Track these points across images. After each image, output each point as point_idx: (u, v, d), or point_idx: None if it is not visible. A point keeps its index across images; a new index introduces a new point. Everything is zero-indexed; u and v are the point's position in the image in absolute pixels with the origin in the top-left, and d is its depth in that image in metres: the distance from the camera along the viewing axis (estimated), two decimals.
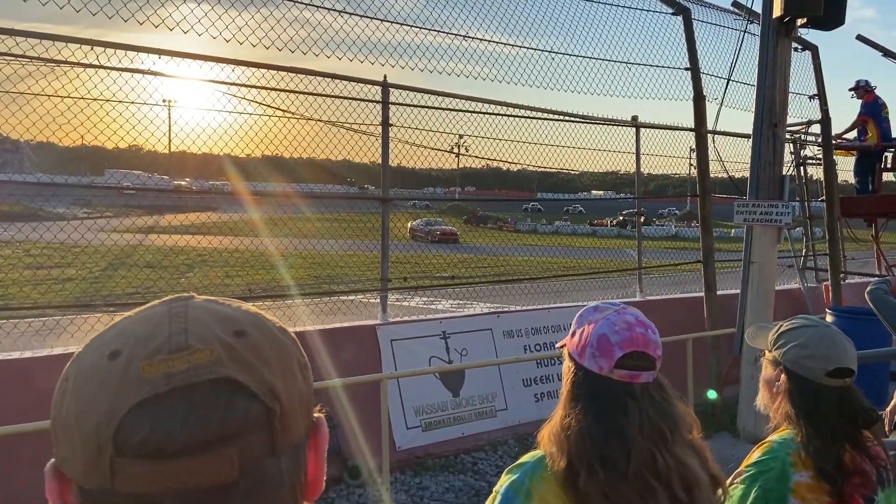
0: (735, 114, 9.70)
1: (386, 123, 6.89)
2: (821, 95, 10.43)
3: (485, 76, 7.70)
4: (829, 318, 7.68)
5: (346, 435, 5.47)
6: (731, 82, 8.11)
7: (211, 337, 0.57)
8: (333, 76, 6.64)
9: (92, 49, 5.39)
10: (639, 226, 9.61)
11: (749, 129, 7.04)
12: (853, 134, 11.37)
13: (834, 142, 10.60)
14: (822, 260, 10.39)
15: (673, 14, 8.63)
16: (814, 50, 10.17)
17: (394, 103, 6.92)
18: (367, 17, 6.56)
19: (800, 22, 6.77)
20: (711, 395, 7.31)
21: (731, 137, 9.87)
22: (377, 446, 5.15)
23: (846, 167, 11.97)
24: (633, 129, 9.00)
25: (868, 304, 3.42)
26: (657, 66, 8.83)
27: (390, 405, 5.59)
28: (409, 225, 31.44)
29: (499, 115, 8.05)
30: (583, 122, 8.54)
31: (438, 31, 7.02)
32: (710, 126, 8.47)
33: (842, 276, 10.08)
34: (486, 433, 6.62)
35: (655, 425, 1.35)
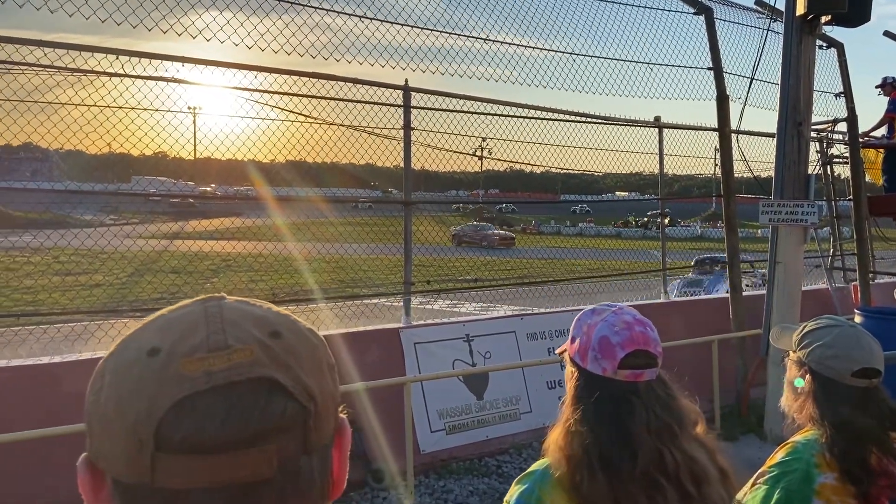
0: (759, 113, 9.59)
1: (407, 127, 6.92)
2: (847, 93, 10.27)
3: (506, 78, 7.71)
4: (857, 319, 7.56)
5: (370, 438, 5.49)
6: (754, 81, 8.04)
7: (248, 337, 0.59)
8: (355, 81, 6.69)
9: (118, 58, 5.48)
10: (662, 227, 9.53)
11: (774, 129, 6.96)
12: (881, 131, 11.18)
13: (861, 140, 10.43)
14: (850, 259, 10.22)
15: (695, 13, 8.56)
16: (839, 47, 10.02)
17: (415, 107, 6.96)
18: (388, 21, 6.60)
19: (824, 19, 6.69)
20: None
21: (756, 137, 9.77)
22: (401, 449, 5.17)
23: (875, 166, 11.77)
24: (656, 129, 8.94)
25: None
26: (679, 66, 8.77)
27: (414, 408, 5.61)
28: (451, 229, 31.12)
29: (521, 117, 8.04)
30: (605, 124, 8.51)
31: (459, 35, 7.04)
32: (733, 126, 8.38)
33: (870, 275, 9.91)
34: (510, 436, 6.61)
35: (662, 422, 1.34)
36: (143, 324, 0.62)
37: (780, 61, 6.79)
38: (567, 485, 1.36)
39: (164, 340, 0.58)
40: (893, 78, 10.94)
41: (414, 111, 6.95)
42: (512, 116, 7.98)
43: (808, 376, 1.81)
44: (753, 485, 1.74)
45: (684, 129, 9.12)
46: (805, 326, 1.89)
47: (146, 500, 0.55)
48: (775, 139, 6.89)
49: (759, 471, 1.78)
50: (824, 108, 10.32)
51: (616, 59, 8.19)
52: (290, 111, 6.84)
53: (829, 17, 6.60)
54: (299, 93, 6.60)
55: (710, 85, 8.61)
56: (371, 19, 6.45)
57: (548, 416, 6.89)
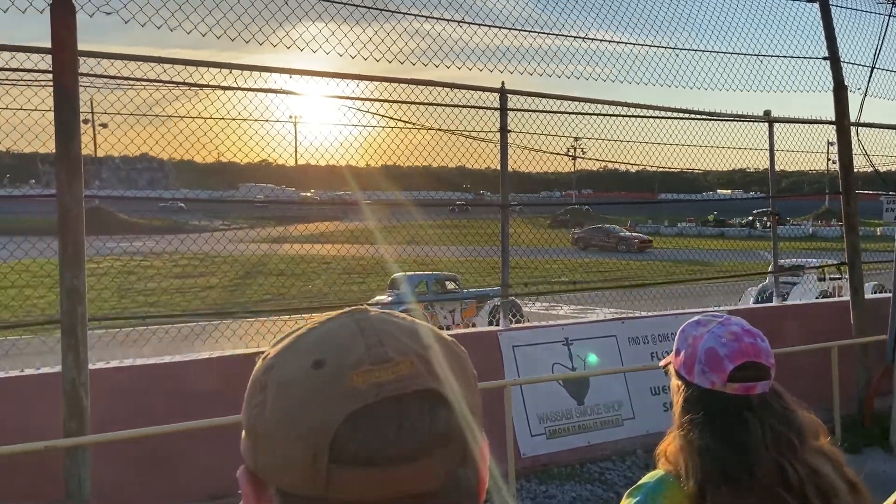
0: (880, 104, 8.95)
1: (504, 129, 6.90)
2: None
3: (605, 76, 7.56)
4: None
5: None
6: (875, 70, 7.51)
7: (407, 349, 0.59)
8: (452, 85, 6.74)
9: (231, 72, 5.74)
10: (774, 226, 9.06)
11: None
12: None
13: None
14: None
15: (808, 1, 8.09)
16: None
17: (512, 109, 6.93)
18: (484, 24, 6.61)
19: None
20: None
21: (877, 129, 9.11)
22: (501, 453, 5.15)
23: None
24: (766, 124, 8.51)
25: None
26: (791, 57, 8.32)
27: (513, 412, 5.57)
28: (573, 232, 30.49)
29: (618, 115, 7.86)
30: (710, 120, 8.18)
31: (557, 35, 6.96)
32: (852, 118, 7.86)
33: None
34: (612, 442, 6.46)
35: (781, 435, 1.28)
36: (293, 338, 0.62)
37: None
38: (681, 498, 1.32)
39: (326, 353, 0.58)
40: None
41: (509, 113, 6.93)
42: (609, 115, 7.81)
43: None
44: None
45: (798, 122, 8.64)
46: None
47: None
48: None
49: None
50: None
51: (721, 53, 7.86)
52: (388, 117, 6.97)
53: None
54: (397, 99, 6.72)
55: (824, 75, 8.11)
56: (469, 23, 6.47)
57: (652, 423, 6.73)
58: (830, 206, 37.30)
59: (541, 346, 6.56)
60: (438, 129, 6.94)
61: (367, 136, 7.55)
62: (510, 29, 6.78)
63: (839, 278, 12.27)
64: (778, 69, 8.24)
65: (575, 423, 6.44)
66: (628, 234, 30.70)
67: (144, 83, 5.28)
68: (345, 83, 6.38)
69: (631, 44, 7.49)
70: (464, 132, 7.08)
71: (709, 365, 1.35)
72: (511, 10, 6.81)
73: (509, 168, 7.14)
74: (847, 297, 7.72)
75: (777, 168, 8.86)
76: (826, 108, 8.09)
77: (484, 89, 6.83)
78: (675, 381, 1.45)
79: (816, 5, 7.99)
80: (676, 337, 1.46)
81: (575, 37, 7.07)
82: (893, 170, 6.88)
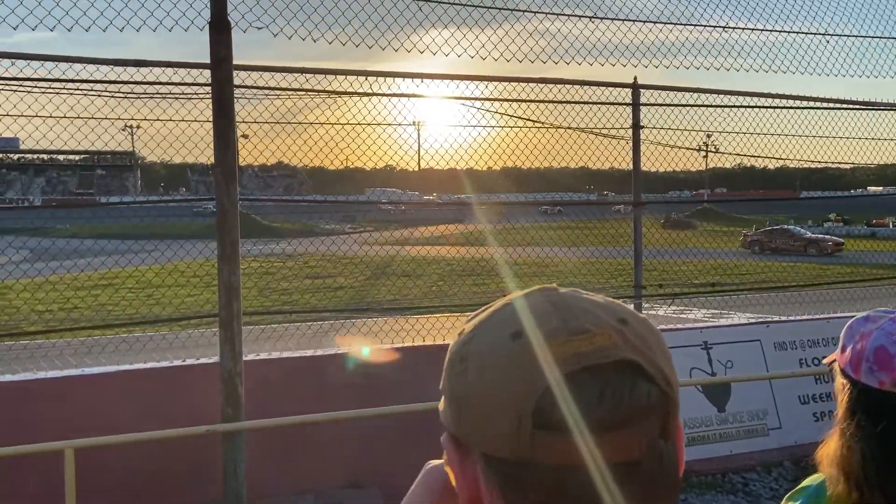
0: None
1: (637, 126, 6.72)
2: None
3: (748, 67, 7.18)
4: None
5: None
6: None
7: (602, 322, 0.59)
8: (582, 82, 6.64)
9: (356, 79, 5.96)
10: None
11: None
12: None
13: None
14: None
15: None
16: None
17: (645, 104, 6.73)
18: (619, 19, 6.46)
19: None
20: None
21: None
22: None
23: None
24: None
25: None
26: None
27: None
28: (745, 234, 29.01)
29: (756, 107, 7.45)
30: (864, 109, 7.57)
31: (695, 26, 6.69)
32: None
33: None
34: (757, 452, 6.11)
35: None
36: (488, 314, 0.64)
37: None
38: (846, 503, 1.23)
39: (523, 325, 0.60)
40: None
41: (642, 109, 6.74)
42: (747, 107, 7.42)
43: None
44: None
45: None
46: None
47: (521, 474, 0.57)
48: None
49: None
50: None
51: (880, 38, 7.26)
52: (517, 117, 6.96)
53: None
54: (526, 98, 6.71)
55: None
56: (602, 19, 6.36)
57: (801, 434, 6.32)
58: None
59: (678, 349, 6.32)
60: (568, 128, 6.86)
61: (489, 137, 7.60)
62: (644, 22, 6.59)
63: None
64: None
65: (715, 431, 6.14)
66: (819, 235, 27.95)
67: (289, 93, 5.58)
68: (473, 85, 6.46)
69: (777, 31, 7.07)
70: (594, 129, 6.96)
71: (878, 363, 1.25)
72: (644, 6, 6.61)
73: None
74: None
75: None
76: None
77: (616, 85, 6.69)
78: (839, 380, 1.35)
79: None
80: (843, 333, 1.37)
81: (715, 26, 6.76)
82: None
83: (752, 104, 7.46)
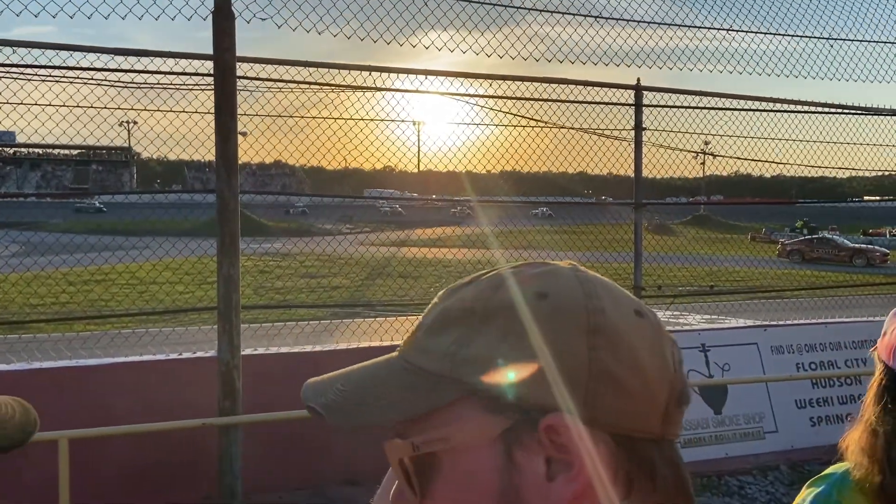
0: None
1: (639, 127, 6.72)
2: None
3: (752, 70, 7.18)
4: None
5: None
6: None
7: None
8: (585, 83, 6.64)
9: (360, 74, 5.94)
10: None
11: None
12: None
13: None
14: None
15: None
16: None
17: (648, 105, 6.74)
18: (623, 19, 6.47)
19: None
20: None
21: None
22: None
23: None
24: None
25: None
26: None
27: None
28: (782, 242, 28.67)
29: (757, 110, 7.47)
30: (865, 115, 7.59)
31: (699, 28, 6.69)
32: None
33: None
34: (752, 456, 6.09)
35: None
36: (592, 282, 0.60)
37: None
38: (869, 489, 1.22)
39: (637, 304, 0.61)
40: None
41: (644, 110, 6.74)
42: (748, 110, 7.44)
43: None
44: None
45: None
46: None
47: (651, 452, 0.57)
48: None
49: None
50: None
51: (878, 42, 7.28)
52: (519, 115, 6.95)
53: None
54: (529, 97, 6.69)
55: None
56: (607, 19, 6.36)
57: (797, 438, 6.30)
58: None
59: None
60: (570, 128, 6.86)
61: (489, 138, 7.59)
62: (648, 23, 6.60)
63: None
64: None
65: (711, 434, 6.13)
66: (865, 245, 27.41)
67: (291, 86, 5.56)
68: (478, 83, 6.45)
69: (782, 35, 7.08)
70: (596, 130, 6.96)
71: None
72: (648, 6, 6.62)
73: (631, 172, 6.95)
74: None
75: None
76: None
77: (619, 86, 6.69)
78: (877, 366, 1.34)
79: None
80: (887, 320, 1.35)
81: (719, 28, 6.77)
82: None
83: (751, 108, 7.47)
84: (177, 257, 6.31)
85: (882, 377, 1.30)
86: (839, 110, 7.62)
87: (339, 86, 5.70)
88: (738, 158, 8.52)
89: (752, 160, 8.45)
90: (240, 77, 4.72)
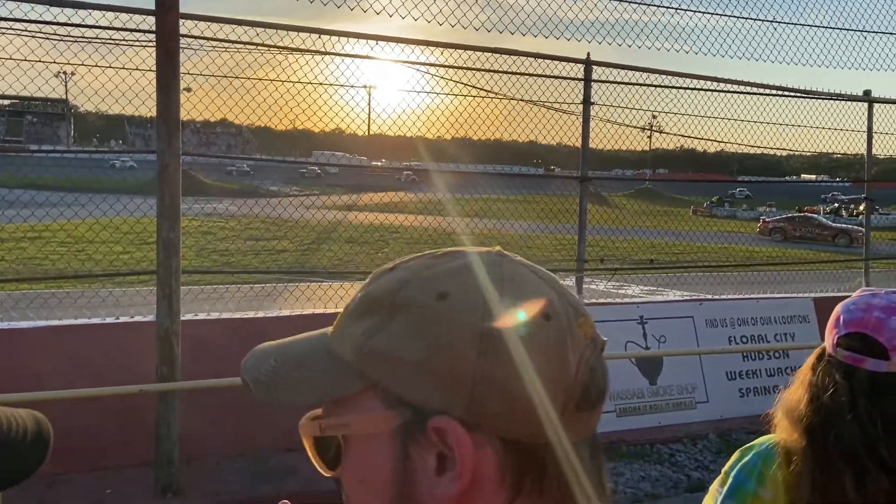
0: None
1: (587, 101, 6.78)
2: None
3: (696, 50, 7.29)
4: None
5: None
6: None
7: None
8: (535, 55, 6.64)
9: (309, 36, 5.79)
10: (867, 213, 8.64)
11: None
12: None
13: None
14: None
15: None
16: None
17: (596, 81, 6.79)
18: None
19: None
20: None
21: None
22: None
23: None
24: (865, 104, 8.08)
25: None
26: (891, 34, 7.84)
27: None
28: (764, 220, 27.97)
29: (703, 90, 7.61)
30: (804, 97, 7.82)
31: (649, 5, 6.74)
32: None
33: None
34: (684, 425, 6.35)
35: (872, 418, 1.21)
36: (491, 283, 0.59)
37: None
38: (789, 459, 1.29)
39: (548, 306, 0.58)
40: None
41: (593, 85, 6.79)
42: (694, 89, 7.58)
43: None
44: None
45: None
46: None
47: (544, 454, 0.57)
48: None
49: None
50: None
51: (823, 27, 7.47)
52: (469, 85, 6.93)
53: None
54: (479, 67, 6.66)
55: None
56: None
57: (727, 409, 6.57)
58: None
59: (614, 323, 6.48)
60: (520, 100, 6.87)
61: (441, 105, 7.56)
62: None
63: None
64: (881, 47, 7.79)
65: (646, 403, 6.36)
66: (848, 226, 27.17)
67: (238, 46, 5.39)
68: (429, 51, 6.38)
69: (728, 16, 7.19)
70: (545, 103, 6.99)
71: (831, 326, 1.33)
72: None
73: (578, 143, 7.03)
74: None
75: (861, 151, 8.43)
76: None
77: (569, 60, 6.71)
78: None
79: None
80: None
81: (668, 7, 6.83)
82: None
83: (698, 87, 7.61)
84: (115, 217, 6.11)
85: (817, 353, 1.37)
86: (781, 93, 7.83)
87: (287, 48, 5.56)
88: (683, 136, 8.71)
89: (696, 138, 8.63)
90: (184, 36, 4.55)
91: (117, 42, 5.02)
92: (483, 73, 6.71)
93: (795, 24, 7.39)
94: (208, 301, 6.70)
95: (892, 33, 7.75)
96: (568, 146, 8.38)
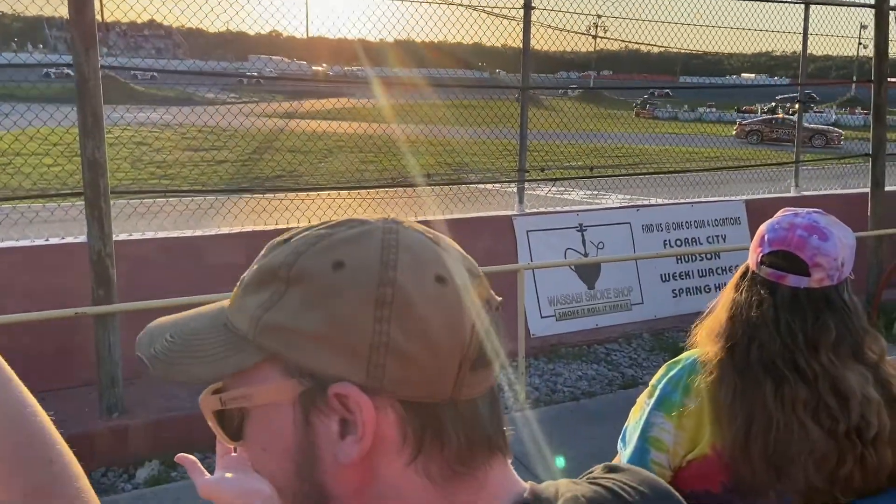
0: None
1: (528, 7, 6.62)
2: None
3: None
4: None
5: None
6: None
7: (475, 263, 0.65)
8: None
9: None
10: (799, 113, 8.84)
11: None
12: None
13: None
14: None
15: None
16: None
17: None
18: None
19: None
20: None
21: None
22: (513, 333, 5.31)
23: None
24: (801, 6, 8.10)
25: None
26: None
27: (525, 294, 5.70)
28: (740, 123, 27.50)
29: None
30: (743, 0, 7.78)
31: None
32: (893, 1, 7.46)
33: None
34: (620, 326, 6.64)
35: (792, 331, 1.28)
36: (382, 249, 0.59)
37: None
38: (707, 370, 1.36)
39: (440, 269, 0.60)
40: None
41: None
42: None
43: None
44: None
45: (836, 4, 8.22)
46: None
47: (443, 414, 0.59)
48: None
49: None
50: None
51: None
52: None
53: None
54: None
55: None
56: None
57: (660, 309, 6.86)
58: (857, 93, 36.14)
59: (554, 231, 6.61)
60: (461, 5, 6.66)
61: (381, 8, 7.28)
62: None
63: None
64: None
65: (584, 307, 6.59)
66: (825, 126, 27.03)
67: None
68: None
69: None
70: (485, 9, 6.79)
71: (755, 244, 1.38)
72: None
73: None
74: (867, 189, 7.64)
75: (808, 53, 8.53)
76: None
77: None
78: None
79: None
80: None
81: None
82: None
83: None
84: (42, 127, 5.80)
85: (741, 271, 1.43)
86: None
87: None
88: (624, 41, 8.61)
89: (639, 43, 8.56)
90: None
91: None
92: None
93: None
94: (145, 217, 6.52)
95: None
96: (514, 48, 8.22)
